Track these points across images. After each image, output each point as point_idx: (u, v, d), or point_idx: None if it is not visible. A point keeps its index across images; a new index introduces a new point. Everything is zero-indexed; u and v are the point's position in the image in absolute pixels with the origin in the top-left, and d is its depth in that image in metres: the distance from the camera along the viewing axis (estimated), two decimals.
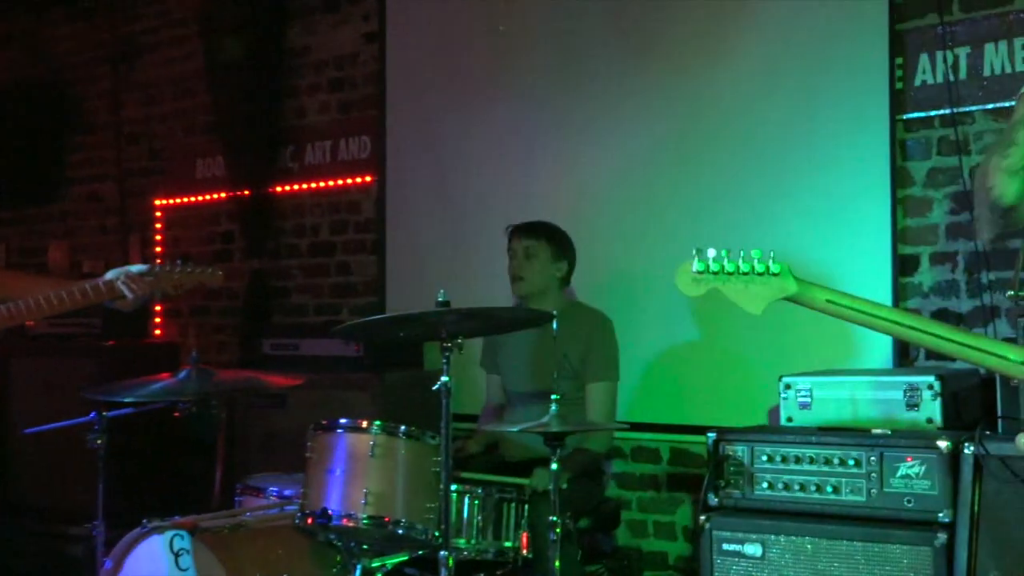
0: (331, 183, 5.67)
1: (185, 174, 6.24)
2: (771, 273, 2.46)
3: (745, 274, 2.46)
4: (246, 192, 5.85)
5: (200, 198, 6.18)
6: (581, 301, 4.32)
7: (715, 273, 2.47)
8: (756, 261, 2.47)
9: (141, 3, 6.45)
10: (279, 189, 5.83)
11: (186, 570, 3.49)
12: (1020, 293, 2.49)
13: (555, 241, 4.22)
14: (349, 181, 5.61)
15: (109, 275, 3.47)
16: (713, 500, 3.52)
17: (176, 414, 3.89)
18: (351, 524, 3.38)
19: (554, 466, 3.52)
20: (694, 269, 2.49)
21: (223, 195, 6.00)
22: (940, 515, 3.17)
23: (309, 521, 3.43)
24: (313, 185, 5.74)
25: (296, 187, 5.80)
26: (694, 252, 2.48)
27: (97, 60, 6.64)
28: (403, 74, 5.38)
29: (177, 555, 3.51)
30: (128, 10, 6.49)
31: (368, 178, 5.53)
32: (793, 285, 2.46)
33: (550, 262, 4.20)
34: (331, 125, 5.70)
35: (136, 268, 3.51)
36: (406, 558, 3.60)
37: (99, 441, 3.79)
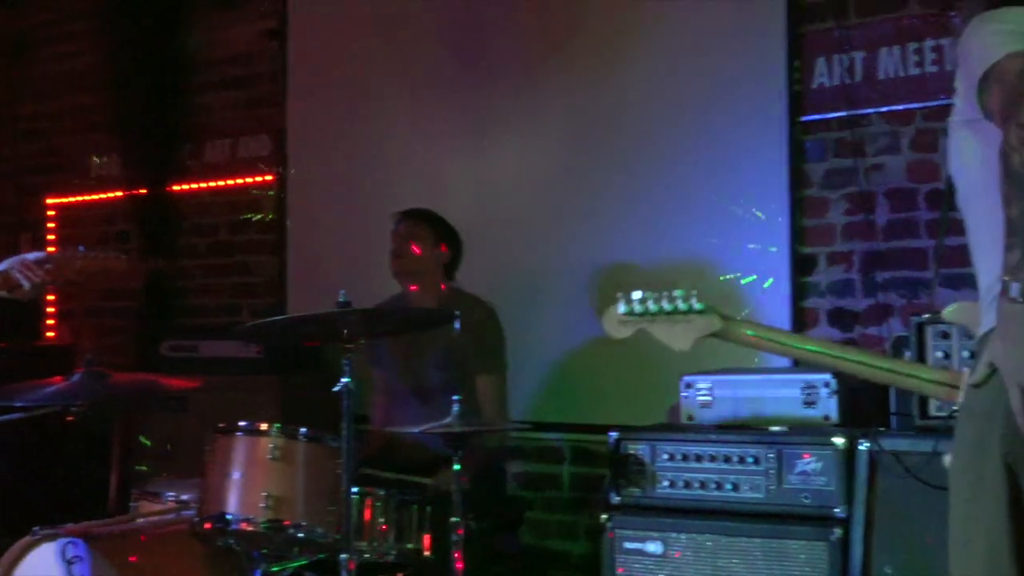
0: (231, 182, 5.63)
1: (80, 172, 6.15)
2: (695, 311, 2.50)
3: (670, 313, 2.50)
4: (143, 191, 5.78)
5: (96, 196, 6.09)
6: (461, 288, 4.30)
7: (641, 315, 2.51)
8: (680, 300, 2.51)
9: None
10: (177, 188, 5.77)
11: None
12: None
13: (437, 226, 4.23)
14: (249, 179, 5.57)
15: (2, 265, 3.37)
16: (615, 499, 3.55)
17: (69, 418, 3.83)
18: (250, 528, 3.35)
19: (456, 467, 3.53)
20: (620, 311, 2.53)
21: (120, 193, 5.92)
22: (836, 511, 3.23)
23: (207, 526, 3.39)
24: (212, 184, 5.69)
25: (195, 186, 5.74)
26: (619, 296, 2.53)
27: None
28: (305, 72, 5.36)
29: (70, 563, 3.45)
30: (20, 4, 6.36)
31: (269, 176, 5.50)
32: (718, 322, 2.50)
33: (430, 245, 4.20)
34: (231, 123, 5.65)
35: (32, 256, 3.41)
36: (306, 562, 3.57)
37: None
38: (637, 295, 2.50)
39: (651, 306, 2.50)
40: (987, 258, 2.15)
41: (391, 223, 4.25)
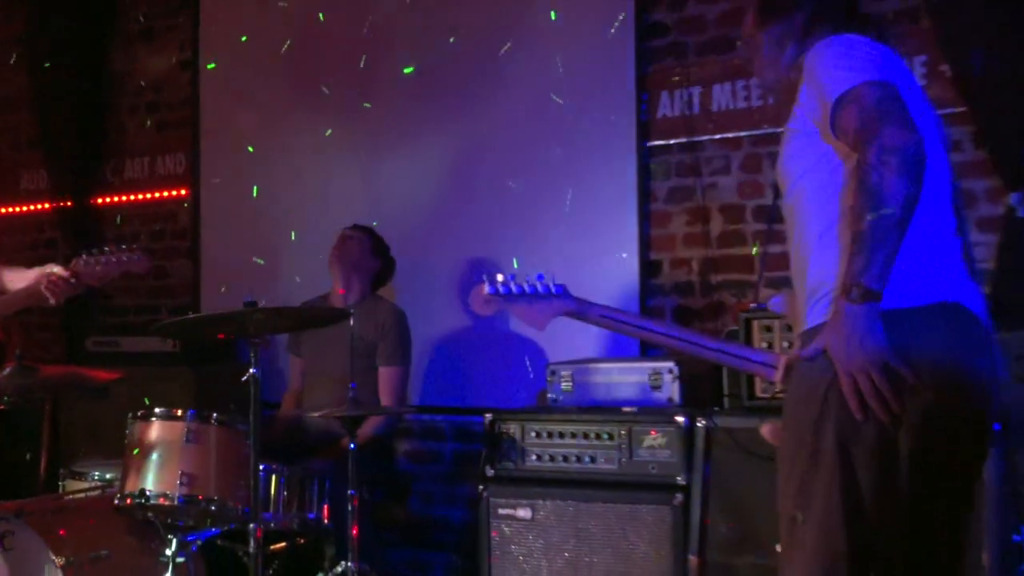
0: (149, 195, 5.54)
1: (10, 185, 5.98)
2: (553, 294, 2.49)
3: (530, 295, 2.50)
4: (69, 203, 5.64)
5: (24, 208, 5.94)
6: (380, 295, 4.30)
7: (504, 296, 2.51)
8: (540, 284, 2.50)
9: None
10: (100, 200, 5.64)
11: (11, 550, 3.37)
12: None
13: (376, 241, 4.24)
14: (166, 193, 5.49)
15: (29, 279, 3.33)
16: (490, 471, 3.56)
17: (1, 406, 3.75)
18: (166, 503, 3.30)
19: (352, 446, 3.53)
20: (486, 292, 2.51)
21: (47, 205, 5.77)
22: (678, 479, 3.29)
23: (128, 501, 3.34)
24: (132, 197, 5.58)
25: (116, 199, 5.62)
26: (484, 277, 2.50)
27: None
28: (214, 98, 5.28)
29: (3, 537, 3.39)
30: None
31: (184, 191, 5.41)
32: (572, 302, 2.49)
33: (368, 254, 4.20)
34: (149, 143, 5.55)
35: (58, 270, 3.32)
36: (219, 532, 3.54)
37: None
38: (501, 277, 2.49)
39: (513, 287, 2.49)
40: (814, 260, 2.14)
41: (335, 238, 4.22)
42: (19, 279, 3.37)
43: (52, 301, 3.30)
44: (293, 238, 4.53)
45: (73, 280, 3.32)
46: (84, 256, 3.38)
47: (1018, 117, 3.51)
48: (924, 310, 2.03)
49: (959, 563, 2.11)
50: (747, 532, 3.16)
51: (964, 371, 2.04)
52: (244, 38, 5.12)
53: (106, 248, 3.39)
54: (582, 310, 2.50)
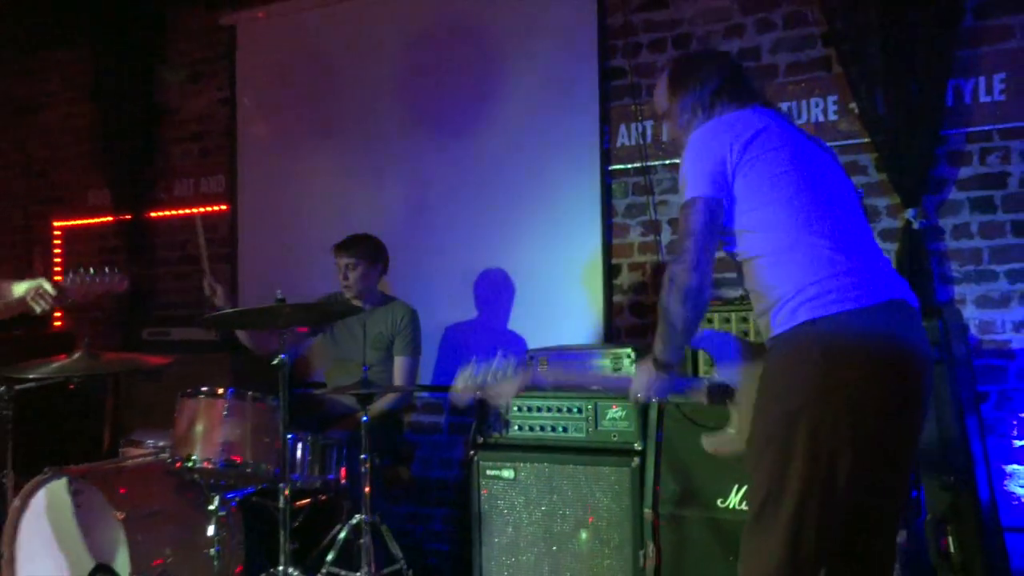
0: (195, 210, 5.52)
1: (80, 202, 5.96)
2: (511, 376, 2.49)
3: (496, 375, 2.49)
4: (128, 216, 5.63)
5: (92, 221, 5.92)
6: (395, 296, 4.27)
7: (475, 386, 2.50)
8: (499, 372, 2.49)
9: (43, 68, 6.11)
10: (154, 214, 5.63)
11: (79, 506, 3.38)
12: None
13: (369, 252, 4.16)
14: (209, 208, 5.47)
15: (22, 290, 3.20)
16: (479, 439, 3.60)
17: (71, 386, 3.74)
18: (210, 466, 3.33)
19: (364, 418, 3.54)
20: (459, 385, 2.50)
21: (110, 219, 5.75)
22: (635, 445, 3.33)
23: (178, 465, 3.37)
24: (181, 211, 5.57)
25: (167, 213, 5.61)
26: (459, 372, 2.52)
27: (6, 110, 6.27)
28: (249, 129, 5.29)
29: (73, 494, 3.40)
30: (32, 73, 6.15)
31: (224, 206, 5.40)
32: (526, 375, 2.53)
33: (368, 268, 4.14)
34: (194, 167, 5.55)
35: (48, 285, 3.23)
36: (254, 490, 3.55)
37: (8, 409, 3.60)
38: (468, 372, 2.49)
39: (479, 380, 2.49)
40: (762, 284, 2.19)
41: (333, 255, 4.14)
42: (13, 290, 3.21)
43: (37, 311, 3.20)
44: (315, 243, 4.52)
45: (57, 294, 3.22)
46: (71, 274, 3.29)
47: (912, 147, 3.56)
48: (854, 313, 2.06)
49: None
50: (692, 489, 3.19)
51: (882, 353, 2.06)
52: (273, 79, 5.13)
53: (92, 269, 3.30)
54: (531, 375, 2.61)
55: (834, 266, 2.08)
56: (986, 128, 3.56)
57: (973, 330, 3.55)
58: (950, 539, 2.93)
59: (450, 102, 4.62)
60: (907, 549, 2.92)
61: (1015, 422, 3.48)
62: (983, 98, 3.56)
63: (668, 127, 2.48)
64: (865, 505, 2.10)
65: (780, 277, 2.13)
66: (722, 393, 2.33)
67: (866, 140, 3.71)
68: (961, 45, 3.55)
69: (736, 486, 3.10)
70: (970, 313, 3.56)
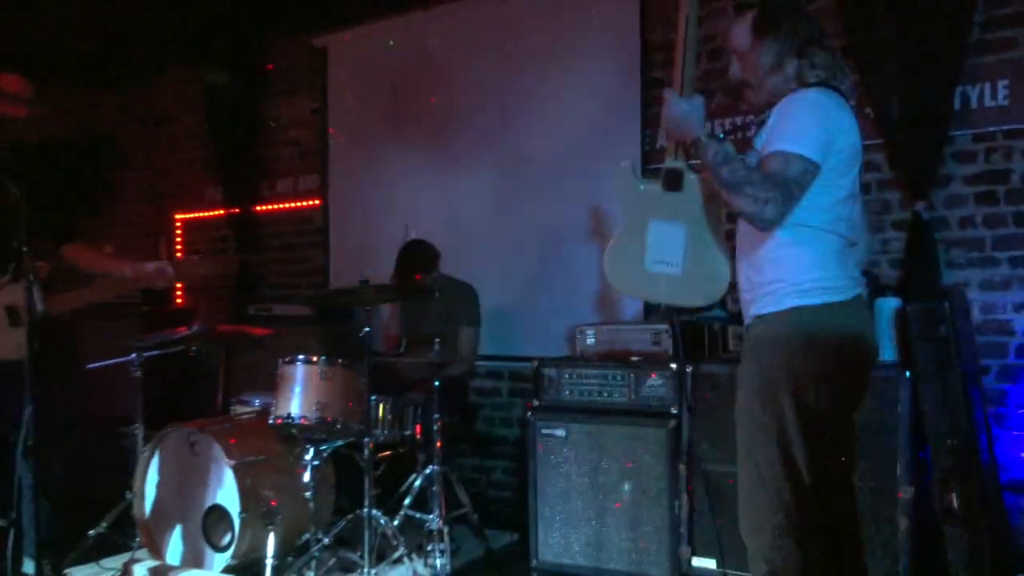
0: (293, 204, 5.56)
1: (197, 198, 6.03)
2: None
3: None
4: (237, 211, 5.68)
5: (207, 214, 5.98)
6: (456, 277, 4.23)
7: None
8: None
9: (166, 86, 6.20)
10: (259, 208, 5.66)
11: (198, 455, 3.42)
12: None
13: (425, 262, 4.10)
14: (305, 203, 5.50)
15: (151, 268, 3.16)
16: (535, 402, 3.54)
17: (190, 354, 3.79)
18: (306, 422, 3.33)
19: (436, 383, 3.53)
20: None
21: (222, 212, 5.82)
22: (672, 410, 3.26)
23: (279, 421, 3.37)
24: (282, 206, 5.60)
25: (271, 207, 5.64)
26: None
27: (135, 122, 6.37)
28: (338, 133, 5.29)
29: (192, 444, 3.44)
30: (157, 90, 6.24)
31: (317, 201, 5.42)
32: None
33: (428, 273, 4.09)
34: (292, 167, 5.56)
35: (169, 268, 3.17)
36: (343, 443, 3.57)
37: (138, 373, 3.66)
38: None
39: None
40: (772, 262, 2.08)
41: (401, 237, 4.15)
42: (144, 268, 3.17)
43: (161, 285, 3.15)
44: (394, 232, 4.51)
45: (175, 273, 3.16)
46: (188, 257, 3.24)
47: (922, 147, 3.42)
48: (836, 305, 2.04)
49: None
50: (722, 447, 3.12)
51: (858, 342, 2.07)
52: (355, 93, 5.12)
53: (201, 254, 3.26)
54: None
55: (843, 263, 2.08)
56: (990, 129, 3.39)
57: (976, 311, 3.40)
58: (954, 496, 2.84)
59: (507, 110, 4.56)
60: (916, 505, 2.83)
61: (1013, 393, 3.34)
62: (988, 103, 3.40)
63: (741, 66, 2.18)
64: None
65: (800, 261, 2.04)
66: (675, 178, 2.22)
67: (880, 141, 3.57)
68: (968, 55, 3.39)
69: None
70: (974, 295, 3.41)
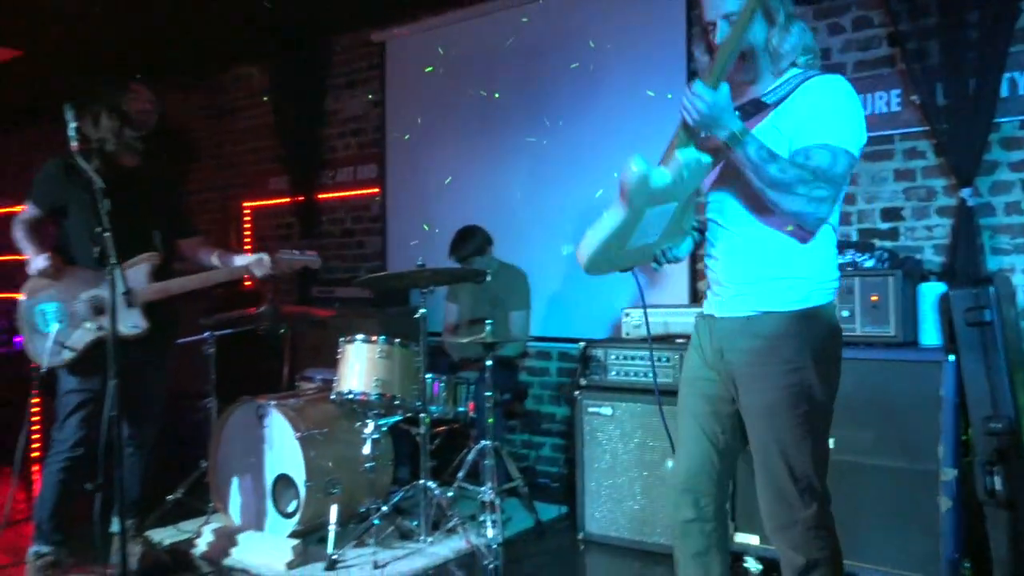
0: (353, 193, 5.62)
1: (263, 187, 6.13)
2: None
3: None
4: (301, 198, 5.77)
5: (272, 202, 6.08)
6: (507, 262, 4.26)
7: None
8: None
9: (231, 80, 6.31)
10: (321, 196, 5.74)
11: (266, 427, 3.49)
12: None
13: (477, 246, 4.11)
14: (364, 191, 5.55)
15: (246, 261, 3.16)
16: (583, 382, 3.55)
17: (258, 332, 3.86)
18: (366, 398, 3.39)
19: (488, 363, 3.55)
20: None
21: (287, 200, 5.91)
22: None
23: (341, 397, 3.44)
24: (342, 194, 5.66)
25: (331, 195, 5.71)
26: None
27: (204, 116, 6.49)
28: (396, 126, 5.32)
29: (260, 417, 3.52)
30: (225, 85, 6.35)
31: (376, 189, 5.47)
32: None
33: (482, 257, 4.11)
34: (352, 157, 5.62)
35: (267, 259, 3.16)
36: (400, 418, 3.62)
37: (211, 350, 3.75)
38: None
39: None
40: (785, 250, 1.96)
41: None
42: (236, 261, 3.19)
43: (258, 275, 3.13)
44: (449, 218, 4.54)
45: (272, 267, 3.15)
46: (282, 252, 3.21)
47: (968, 134, 3.31)
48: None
49: None
50: None
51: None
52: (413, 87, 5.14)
53: (296, 252, 3.25)
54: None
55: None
56: None
57: (1021, 296, 3.30)
58: (996, 478, 2.76)
59: (558, 97, 4.54)
60: (958, 487, 2.77)
61: None
62: None
63: (738, 26, 1.87)
64: None
65: (824, 258, 1.97)
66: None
67: (926, 128, 3.47)
68: (1015, 41, 3.27)
69: None
70: (1019, 281, 3.31)
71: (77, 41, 5.40)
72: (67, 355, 2.96)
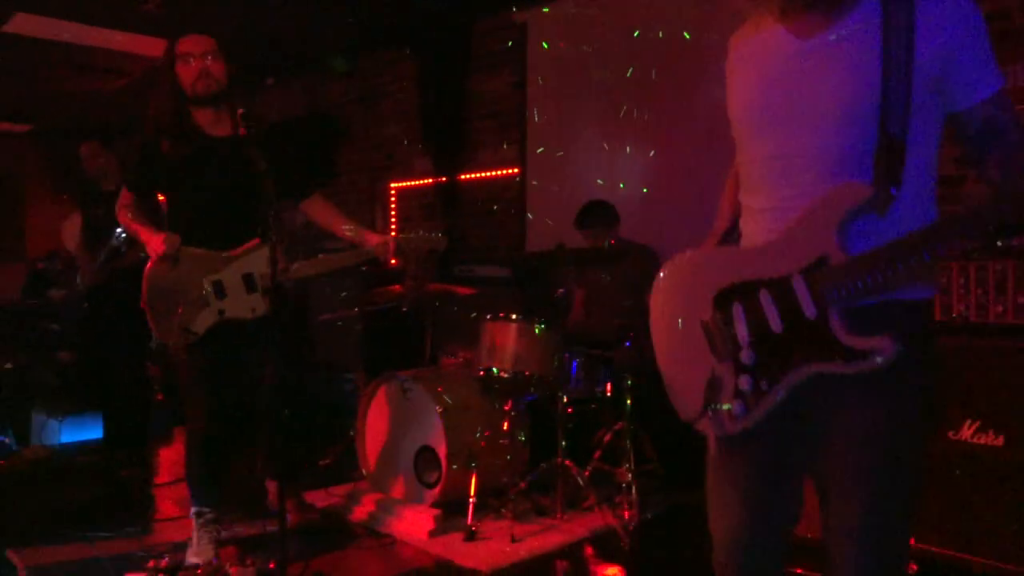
0: (494, 173, 5.66)
1: (407, 168, 6.28)
2: None
3: None
4: (443, 179, 5.87)
5: (416, 183, 6.22)
6: (638, 242, 4.17)
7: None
8: None
9: (380, 65, 6.48)
10: (463, 177, 5.82)
11: (410, 400, 3.58)
12: None
13: (606, 220, 4.06)
14: (504, 172, 5.58)
15: (374, 241, 3.14)
16: None
17: (403, 309, 3.95)
18: (506, 376, 3.39)
19: (626, 343, 3.48)
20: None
21: (430, 181, 6.03)
22: None
23: (481, 373, 3.45)
24: (483, 174, 5.72)
25: (473, 176, 5.78)
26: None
27: (353, 101, 6.72)
28: (537, 106, 5.31)
29: (405, 391, 3.61)
30: (371, 71, 6.54)
31: (516, 170, 5.48)
32: None
33: (607, 230, 4.07)
34: (493, 138, 5.66)
35: (392, 242, 3.11)
36: (538, 396, 3.62)
37: (359, 326, 3.87)
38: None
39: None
40: (920, 209, 1.46)
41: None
42: (367, 239, 3.09)
43: (381, 259, 3.06)
44: (586, 198, 4.48)
45: (396, 248, 3.09)
46: (405, 234, 3.15)
47: None
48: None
49: None
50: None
51: None
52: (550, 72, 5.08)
53: (420, 231, 3.19)
54: None
55: None
56: None
57: None
58: None
59: (700, 78, 4.36)
60: None
61: None
62: None
63: None
64: None
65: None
66: None
67: None
68: None
69: (968, 421, 2.73)
70: None
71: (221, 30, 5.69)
72: (190, 338, 2.89)
